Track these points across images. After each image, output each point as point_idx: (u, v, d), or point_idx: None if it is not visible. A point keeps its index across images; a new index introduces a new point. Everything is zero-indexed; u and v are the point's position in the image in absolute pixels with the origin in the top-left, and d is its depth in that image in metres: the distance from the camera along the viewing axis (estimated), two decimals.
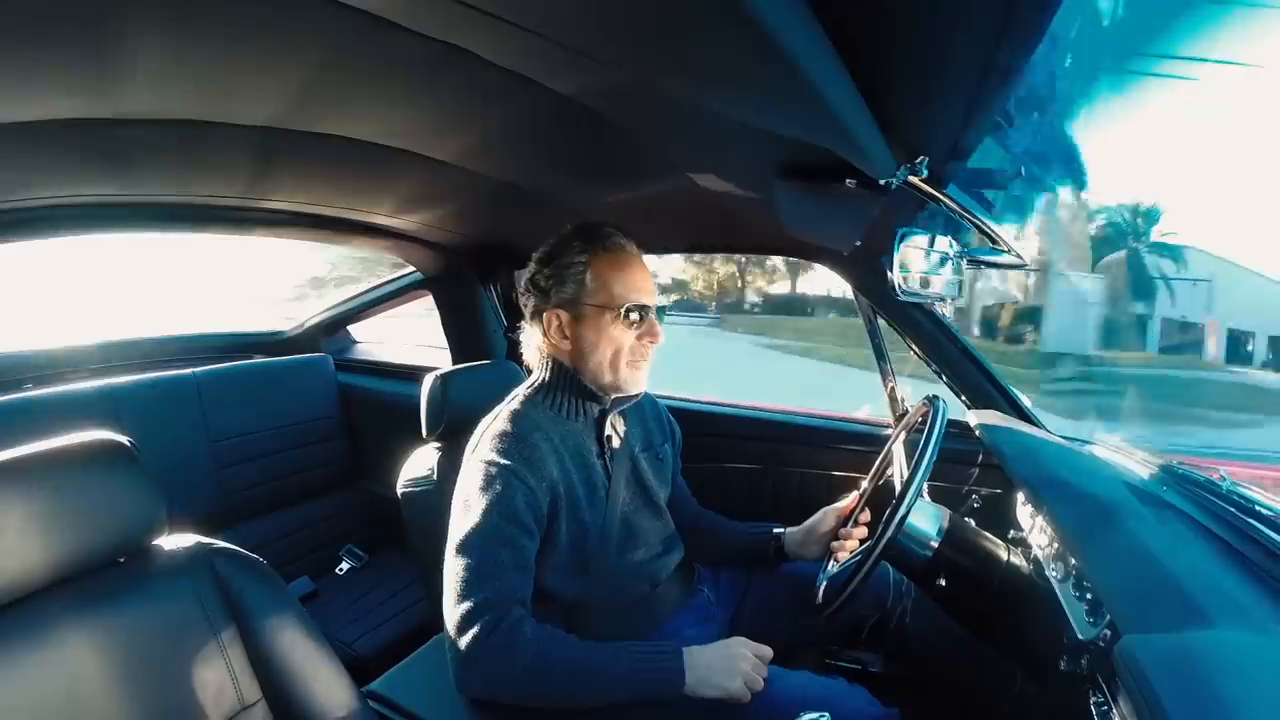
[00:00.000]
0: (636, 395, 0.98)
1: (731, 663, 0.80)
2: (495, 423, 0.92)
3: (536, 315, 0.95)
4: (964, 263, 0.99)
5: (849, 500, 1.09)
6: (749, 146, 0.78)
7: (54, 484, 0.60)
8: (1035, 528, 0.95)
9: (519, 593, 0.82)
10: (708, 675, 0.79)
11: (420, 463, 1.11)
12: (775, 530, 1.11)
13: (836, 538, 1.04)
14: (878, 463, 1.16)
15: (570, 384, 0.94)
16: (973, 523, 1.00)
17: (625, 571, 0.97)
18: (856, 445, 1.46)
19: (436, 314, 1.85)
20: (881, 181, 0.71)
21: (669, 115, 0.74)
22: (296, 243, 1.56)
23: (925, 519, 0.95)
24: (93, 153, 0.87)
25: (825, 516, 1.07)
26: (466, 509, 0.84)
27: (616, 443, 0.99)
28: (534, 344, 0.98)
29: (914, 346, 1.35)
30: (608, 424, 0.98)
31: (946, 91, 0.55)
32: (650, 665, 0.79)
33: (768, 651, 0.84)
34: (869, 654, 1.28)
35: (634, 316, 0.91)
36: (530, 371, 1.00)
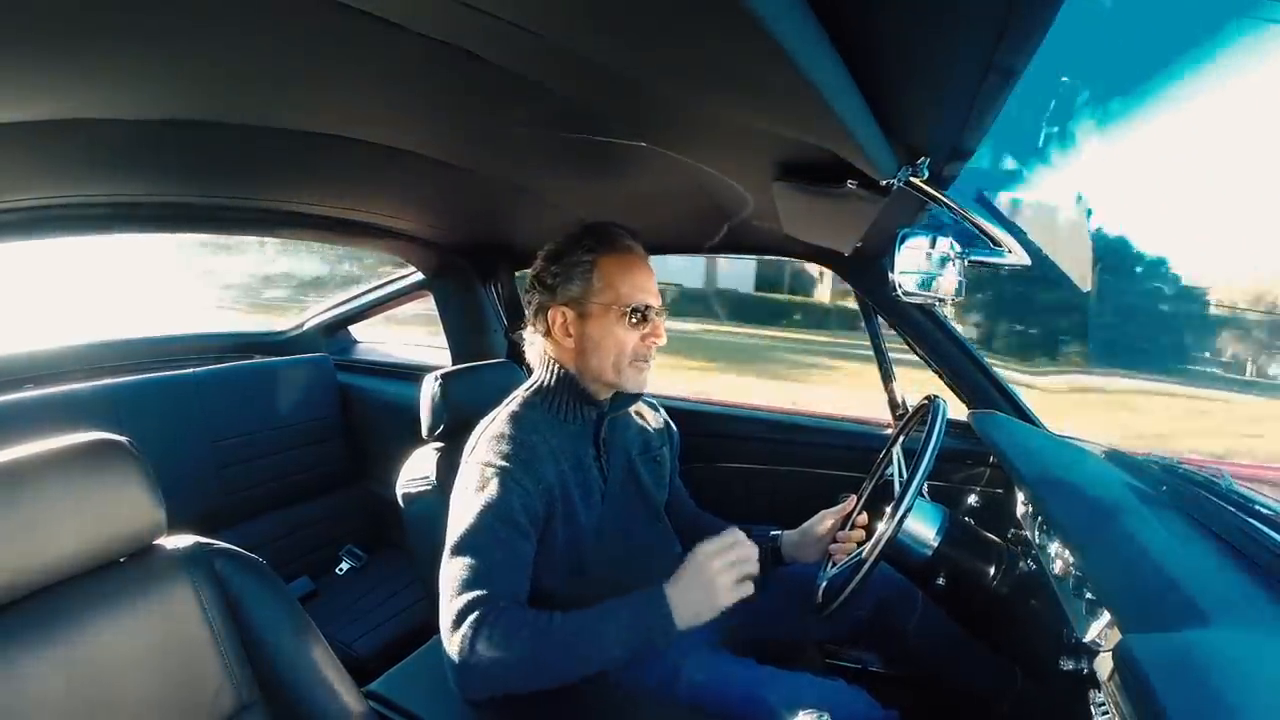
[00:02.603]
0: (635, 397, 0.98)
1: (707, 583, 0.77)
2: (493, 425, 0.92)
3: (541, 312, 0.95)
4: (965, 264, 0.99)
5: (846, 503, 1.09)
6: (749, 147, 0.78)
7: (54, 484, 0.60)
8: (1035, 528, 0.95)
9: (512, 593, 0.82)
10: (697, 609, 0.77)
11: (420, 463, 1.11)
12: (772, 533, 1.11)
13: (834, 540, 1.04)
14: (877, 463, 1.16)
15: (570, 387, 0.94)
16: (973, 522, 1.01)
17: (622, 573, 0.96)
18: (856, 445, 1.46)
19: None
20: (883, 183, 0.71)
21: (669, 116, 0.74)
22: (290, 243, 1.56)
23: (925, 519, 0.96)
24: (93, 153, 0.87)
25: (822, 519, 1.07)
26: (463, 511, 0.84)
27: (614, 446, 0.99)
28: (537, 344, 0.98)
29: (915, 347, 1.35)
30: (605, 427, 0.98)
31: (947, 92, 0.55)
32: (638, 621, 0.77)
33: (730, 538, 0.80)
34: (869, 654, 1.28)
35: (638, 317, 0.91)
36: (531, 372, 1.00)
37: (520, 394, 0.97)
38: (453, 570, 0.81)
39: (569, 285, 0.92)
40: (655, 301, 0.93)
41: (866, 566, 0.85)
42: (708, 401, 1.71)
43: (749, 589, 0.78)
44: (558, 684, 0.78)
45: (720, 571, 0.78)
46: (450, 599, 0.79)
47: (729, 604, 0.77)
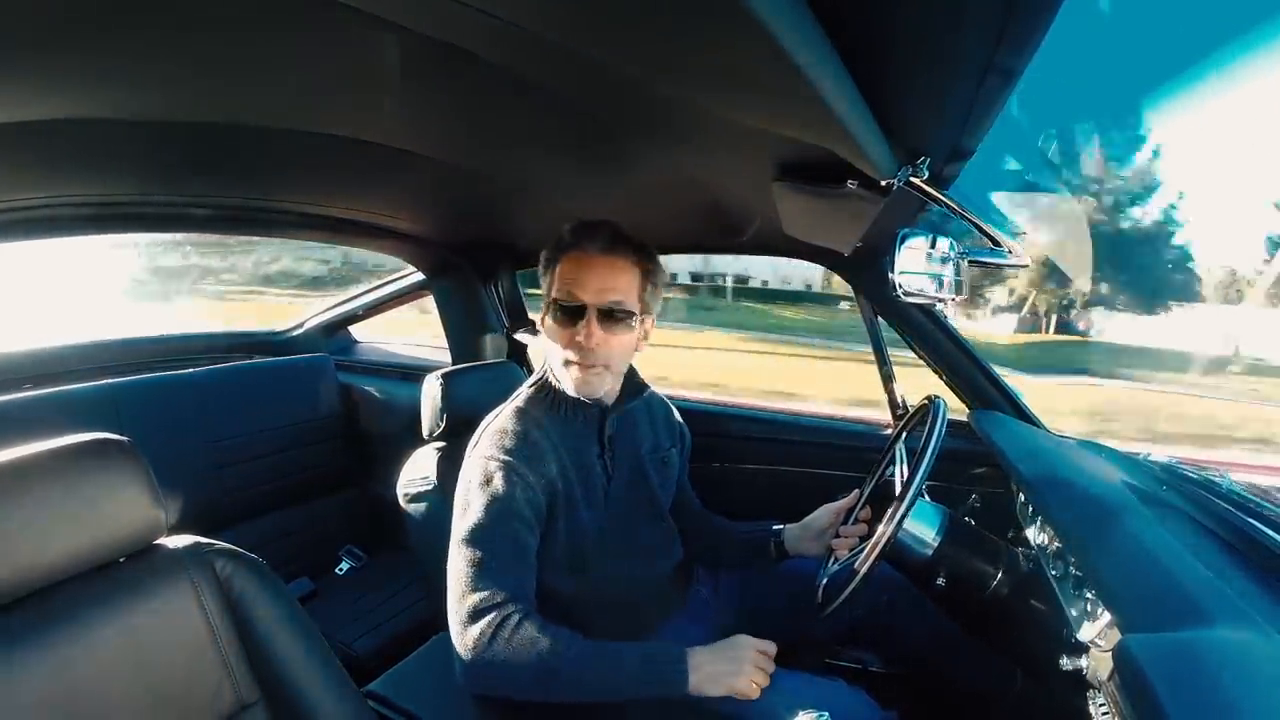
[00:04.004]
0: (638, 395, 0.98)
1: (736, 663, 0.80)
2: (497, 420, 0.92)
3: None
4: (965, 263, 0.99)
5: (849, 498, 1.09)
6: (749, 147, 0.78)
7: (54, 484, 0.60)
8: (1035, 528, 0.95)
9: (522, 588, 0.82)
10: (713, 675, 0.79)
11: (420, 463, 1.11)
12: (775, 527, 1.11)
13: (836, 535, 1.04)
14: (877, 463, 1.16)
15: None
16: (973, 522, 1.00)
17: (623, 571, 0.97)
18: (856, 445, 1.46)
19: None
20: (883, 183, 0.71)
21: (669, 116, 0.74)
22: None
23: (925, 518, 0.95)
24: (93, 153, 0.87)
25: (824, 513, 1.08)
26: (467, 505, 0.85)
27: (621, 444, 0.99)
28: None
29: (915, 347, 1.35)
30: (611, 424, 0.98)
31: (947, 92, 0.55)
32: (655, 667, 0.79)
33: (771, 646, 0.84)
34: (869, 654, 1.28)
35: (561, 312, 0.89)
36: (532, 371, 1.00)
37: (524, 391, 0.98)
38: (461, 565, 0.81)
39: (543, 285, 0.94)
40: (589, 299, 0.87)
41: (866, 567, 0.85)
42: (710, 401, 1.71)
43: (756, 692, 0.80)
44: (561, 700, 0.78)
45: (751, 660, 0.81)
46: (462, 595, 0.79)
47: (743, 690, 0.79)
